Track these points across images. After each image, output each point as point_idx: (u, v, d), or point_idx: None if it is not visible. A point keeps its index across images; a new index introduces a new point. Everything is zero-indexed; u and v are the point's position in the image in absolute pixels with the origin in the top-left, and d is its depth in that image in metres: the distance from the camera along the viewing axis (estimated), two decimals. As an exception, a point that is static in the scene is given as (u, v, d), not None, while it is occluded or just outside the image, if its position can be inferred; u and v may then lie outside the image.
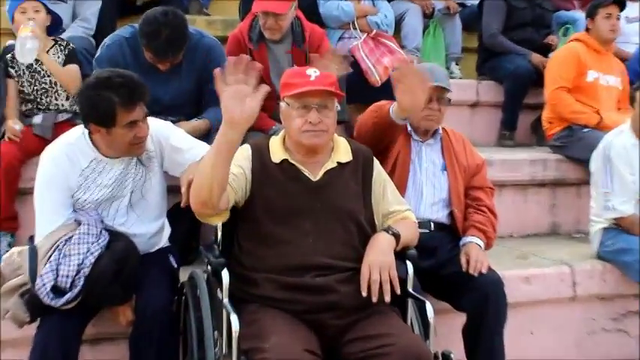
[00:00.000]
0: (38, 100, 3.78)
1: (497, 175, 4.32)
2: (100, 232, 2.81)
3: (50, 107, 3.78)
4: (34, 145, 3.57)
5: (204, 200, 2.44)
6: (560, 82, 4.72)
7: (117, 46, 3.58)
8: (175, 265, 3.06)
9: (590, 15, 4.87)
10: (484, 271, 3.05)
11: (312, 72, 2.66)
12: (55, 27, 3.96)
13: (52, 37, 3.88)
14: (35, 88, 3.78)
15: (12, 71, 3.80)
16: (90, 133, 2.86)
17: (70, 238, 2.75)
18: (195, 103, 3.70)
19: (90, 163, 2.87)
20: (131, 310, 2.83)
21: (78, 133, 2.90)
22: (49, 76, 3.78)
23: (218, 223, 2.66)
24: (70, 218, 2.84)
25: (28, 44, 3.52)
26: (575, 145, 4.60)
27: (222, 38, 4.57)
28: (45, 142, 3.40)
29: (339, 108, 2.74)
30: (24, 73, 3.80)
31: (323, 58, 3.27)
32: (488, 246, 3.23)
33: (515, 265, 3.89)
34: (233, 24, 5.09)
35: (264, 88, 2.27)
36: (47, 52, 3.78)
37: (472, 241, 3.16)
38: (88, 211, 2.87)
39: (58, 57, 3.79)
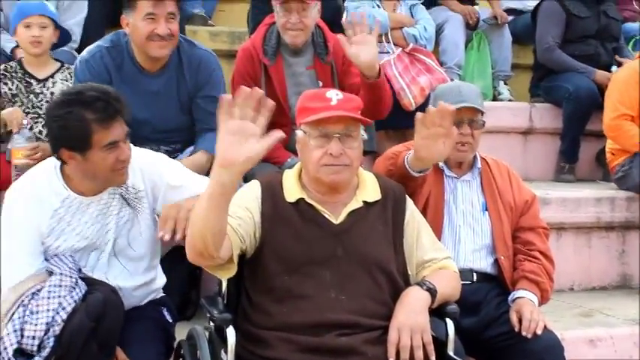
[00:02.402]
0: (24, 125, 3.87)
1: (555, 216, 4.35)
2: (76, 282, 2.77)
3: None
4: (8, 176, 3.68)
5: (199, 251, 2.45)
6: (620, 108, 4.75)
7: (98, 61, 3.65)
8: (170, 320, 3.08)
9: None
10: (539, 331, 3.05)
11: (334, 94, 2.71)
12: (62, 42, 4.11)
13: (56, 59, 4.04)
14: (27, 111, 3.90)
15: (5, 87, 3.90)
16: (62, 164, 2.84)
17: (39, 291, 2.74)
18: (190, 127, 3.78)
19: (62, 203, 2.85)
20: None
21: (49, 166, 2.89)
22: (48, 101, 3.90)
23: (225, 277, 2.69)
24: (40, 268, 2.83)
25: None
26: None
27: (228, 53, 4.68)
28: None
29: (365, 137, 2.78)
30: (20, 92, 3.91)
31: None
32: (543, 300, 3.24)
33: (577, 324, 3.90)
34: (241, 37, 5.22)
35: (278, 134, 2.27)
36: (53, 76, 3.91)
37: (524, 295, 3.16)
38: (62, 257, 2.86)
39: (69, 86, 3.88)
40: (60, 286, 2.74)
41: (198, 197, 2.82)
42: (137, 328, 2.88)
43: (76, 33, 4.67)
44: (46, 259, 2.86)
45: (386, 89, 3.72)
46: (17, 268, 2.79)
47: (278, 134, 2.27)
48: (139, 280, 3.00)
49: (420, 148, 2.85)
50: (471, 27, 5.64)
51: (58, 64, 4.00)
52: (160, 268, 3.14)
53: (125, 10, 3.59)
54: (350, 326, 2.59)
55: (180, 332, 3.05)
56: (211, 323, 2.79)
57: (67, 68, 3.98)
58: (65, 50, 4.51)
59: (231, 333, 2.60)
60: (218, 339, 2.72)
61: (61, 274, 2.79)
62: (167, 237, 2.84)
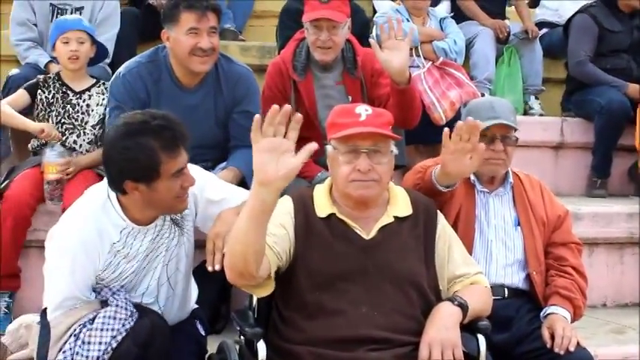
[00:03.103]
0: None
1: (587, 232, 4.32)
2: (131, 314, 2.74)
3: (66, 145, 3.92)
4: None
5: (240, 271, 2.46)
6: None
7: (134, 76, 3.69)
8: (203, 333, 3.10)
9: None
10: (572, 348, 3.03)
11: (363, 110, 2.73)
12: (100, 57, 4.18)
13: (91, 75, 4.09)
14: (62, 121, 3.95)
15: (42, 95, 3.97)
16: (121, 194, 2.76)
17: (92, 320, 2.71)
18: (223, 144, 3.81)
19: (121, 235, 2.79)
20: None
21: (102, 197, 2.81)
22: (83, 113, 3.96)
23: (262, 295, 2.68)
24: (92, 300, 2.79)
25: (56, 198, 3.70)
26: None
27: (258, 67, 4.71)
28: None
29: (395, 152, 2.79)
30: (57, 101, 3.97)
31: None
32: (576, 316, 3.22)
33: (610, 341, 3.87)
34: (271, 51, 5.26)
35: (312, 146, 2.30)
36: (89, 89, 3.98)
37: (556, 311, 3.15)
38: (113, 288, 2.82)
39: (104, 99, 3.96)
40: (115, 318, 2.71)
41: (238, 212, 2.83)
42: (173, 343, 2.86)
43: (109, 49, 4.71)
44: (94, 290, 2.81)
45: (415, 96, 3.73)
46: (66, 304, 2.74)
47: (312, 146, 2.29)
48: (183, 300, 3.01)
49: (447, 162, 2.86)
50: (502, 41, 5.62)
51: (94, 80, 4.07)
52: (193, 280, 3.15)
53: (167, 25, 3.63)
54: (381, 342, 2.59)
55: (211, 345, 3.07)
56: (242, 337, 2.81)
57: (103, 83, 4.04)
58: (98, 66, 4.56)
59: (261, 347, 2.61)
60: (248, 353, 2.73)
61: (117, 305, 2.75)
62: (217, 267, 2.85)
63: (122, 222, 2.79)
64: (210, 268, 2.89)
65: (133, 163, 2.67)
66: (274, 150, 2.27)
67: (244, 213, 2.38)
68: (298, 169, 2.31)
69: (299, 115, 2.31)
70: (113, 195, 2.79)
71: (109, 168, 2.76)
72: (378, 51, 3.53)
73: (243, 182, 3.55)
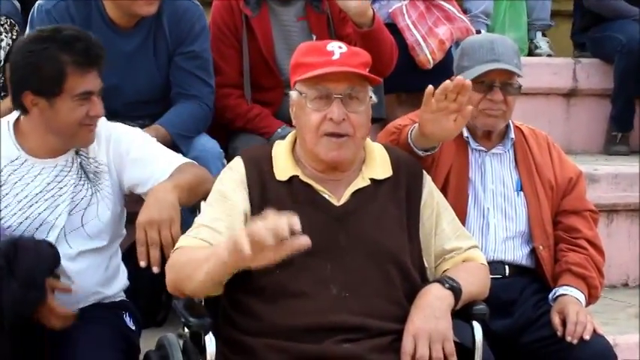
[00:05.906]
0: None
1: (604, 196, 4.37)
2: None
3: None
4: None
5: (190, 293, 2.66)
6: None
7: (62, 12, 3.63)
8: (133, 327, 3.10)
9: None
10: (587, 336, 3.08)
11: (337, 47, 2.73)
12: None
13: None
14: None
15: None
16: (23, 113, 2.93)
17: None
18: (165, 97, 3.79)
19: (12, 164, 2.93)
20: (58, 308, 2.86)
21: (3, 125, 2.98)
22: None
23: (211, 295, 2.71)
24: None
25: None
26: None
27: (203, 2, 4.68)
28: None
29: (374, 100, 2.80)
30: None
31: None
32: (591, 298, 3.26)
33: (632, 326, 3.93)
34: (219, -18, 5.20)
35: (302, 242, 2.32)
36: None
37: (568, 292, 3.19)
38: None
39: (2, 40, 3.91)
40: None
41: (174, 187, 2.90)
42: (88, 331, 2.89)
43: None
44: None
45: (384, 39, 3.72)
46: None
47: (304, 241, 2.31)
48: (96, 275, 3.03)
49: (426, 123, 2.86)
50: (502, -35, 5.64)
51: None
52: (122, 267, 3.16)
53: None
54: (355, 330, 2.61)
55: (149, 341, 3.07)
56: (186, 330, 2.80)
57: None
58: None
59: (210, 341, 2.62)
60: (194, 348, 2.74)
61: None
62: (156, 269, 2.87)
63: (15, 151, 2.94)
64: (142, 264, 2.88)
65: (35, 70, 2.85)
66: (273, 237, 2.29)
67: (211, 263, 2.48)
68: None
69: (306, 240, 2.31)
70: (12, 119, 2.96)
71: (12, 77, 2.93)
72: None
73: (174, 145, 3.53)
